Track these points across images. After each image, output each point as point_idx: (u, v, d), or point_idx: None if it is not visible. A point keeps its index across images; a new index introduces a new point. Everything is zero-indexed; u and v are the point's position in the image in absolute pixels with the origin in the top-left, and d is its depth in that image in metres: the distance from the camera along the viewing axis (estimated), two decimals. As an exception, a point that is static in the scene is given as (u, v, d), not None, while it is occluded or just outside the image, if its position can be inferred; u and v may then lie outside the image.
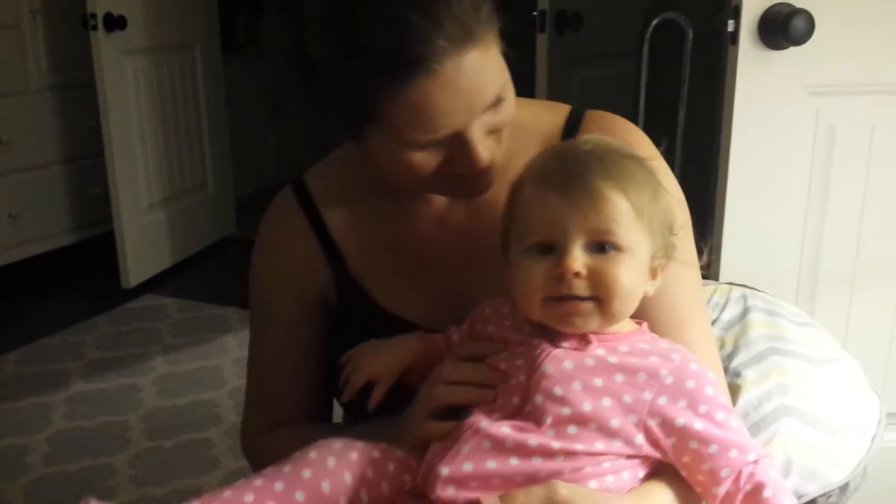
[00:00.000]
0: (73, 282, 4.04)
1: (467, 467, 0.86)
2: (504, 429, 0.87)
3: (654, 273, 0.94)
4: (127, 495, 2.39)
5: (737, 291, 1.45)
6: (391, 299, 1.15)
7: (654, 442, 0.87)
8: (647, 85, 2.81)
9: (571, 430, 0.85)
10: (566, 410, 0.86)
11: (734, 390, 1.29)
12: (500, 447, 0.86)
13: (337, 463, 0.90)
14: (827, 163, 1.79)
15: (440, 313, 1.09)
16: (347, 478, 0.89)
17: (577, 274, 0.86)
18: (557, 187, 0.88)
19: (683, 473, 0.89)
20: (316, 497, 0.88)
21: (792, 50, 1.69)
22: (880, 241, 1.85)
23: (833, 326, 1.60)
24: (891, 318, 1.91)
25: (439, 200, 1.14)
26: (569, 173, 0.88)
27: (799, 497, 1.26)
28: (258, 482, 0.88)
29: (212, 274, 4.24)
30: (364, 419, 1.12)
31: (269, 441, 1.20)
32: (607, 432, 0.86)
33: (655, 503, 0.89)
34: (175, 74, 4.15)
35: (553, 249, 0.88)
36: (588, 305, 0.88)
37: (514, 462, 0.85)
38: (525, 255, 0.90)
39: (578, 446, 0.85)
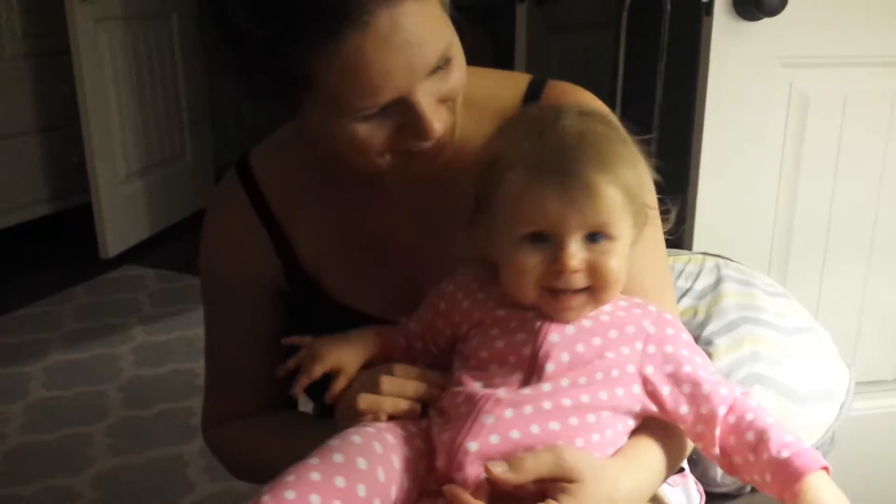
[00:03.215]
0: (51, 252, 4.01)
1: (494, 440, 0.85)
2: (525, 391, 0.87)
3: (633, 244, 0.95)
4: (105, 463, 2.39)
5: (710, 261, 1.46)
6: (346, 289, 1.09)
7: (651, 393, 0.90)
8: (625, 56, 2.81)
9: (582, 381, 0.88)
10: (577, 370, 0.88)
11: (705, 359, 1.31)
12: (521, 415, 0.86)
13: (383, 448, 0.87)
14: (800, 134, 1.80)
15: (399, 302, 1.04)
16: (395, 461, 0.86)
17: (574, 270, 0.87)
18: (552, 182, 0.86)
19: (682, 426, 0.91)
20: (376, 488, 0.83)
21: (766, 21, 1.69)
22: (852, 212, 1.87)
23: (804, 296, 1.62)
24: (861, 289, 1.94)
25: (392, 183, 1.06)
26: (563, 166, 0.87)
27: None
28: (315, 476, 0.81)
29: (190, 244, 4.18)
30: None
31: (231, 433, 1.16)
32: (611, 383, 0.88)
33: (647, 463, 0.92)
34: (151, 43, 4.11)
35: (546, 239, 0.88)
36: (582, 298, 0.90)
37: (535, 430, 0.85)
38: (518, 243, 0.89)
39: (585, 398, 0.87)
